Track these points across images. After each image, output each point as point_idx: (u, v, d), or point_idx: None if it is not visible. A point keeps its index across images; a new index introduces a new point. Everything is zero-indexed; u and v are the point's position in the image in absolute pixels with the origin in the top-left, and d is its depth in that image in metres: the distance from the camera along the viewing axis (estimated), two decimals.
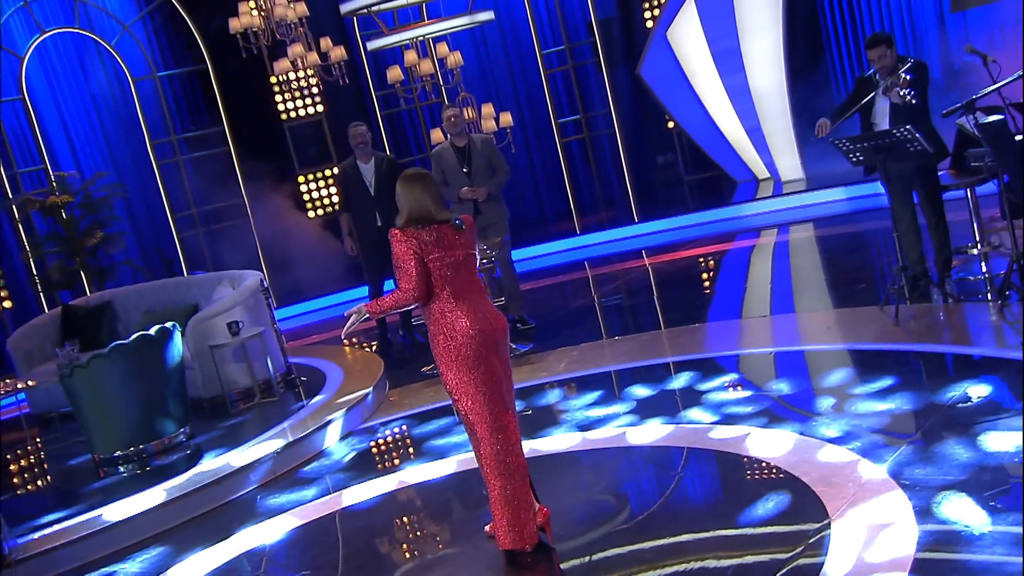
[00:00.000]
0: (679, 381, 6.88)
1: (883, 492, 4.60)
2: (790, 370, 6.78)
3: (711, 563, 4.41)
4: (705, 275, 10.56)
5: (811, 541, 4.32)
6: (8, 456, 9.09)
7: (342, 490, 6.34)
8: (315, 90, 13.93)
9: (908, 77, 6.82)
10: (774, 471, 5.11)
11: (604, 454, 5.95)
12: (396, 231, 4.68)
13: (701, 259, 11.04)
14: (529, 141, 14.97)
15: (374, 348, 9.73)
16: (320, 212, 14.25)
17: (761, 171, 13.19)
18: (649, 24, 13.44)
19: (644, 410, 6.44)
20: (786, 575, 4.12)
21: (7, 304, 12.29)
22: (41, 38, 12.95)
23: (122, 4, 13.55)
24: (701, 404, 6.32)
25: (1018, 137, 5.75)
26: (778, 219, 11.83)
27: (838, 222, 11.09)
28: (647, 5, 13.63)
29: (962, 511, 4.30)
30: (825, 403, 5.92)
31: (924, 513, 4.34)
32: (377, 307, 4.83)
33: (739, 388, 6.55)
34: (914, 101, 6.81)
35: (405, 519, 5.93)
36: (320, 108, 14.18)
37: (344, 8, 10.94)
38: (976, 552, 3.97)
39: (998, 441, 4.88)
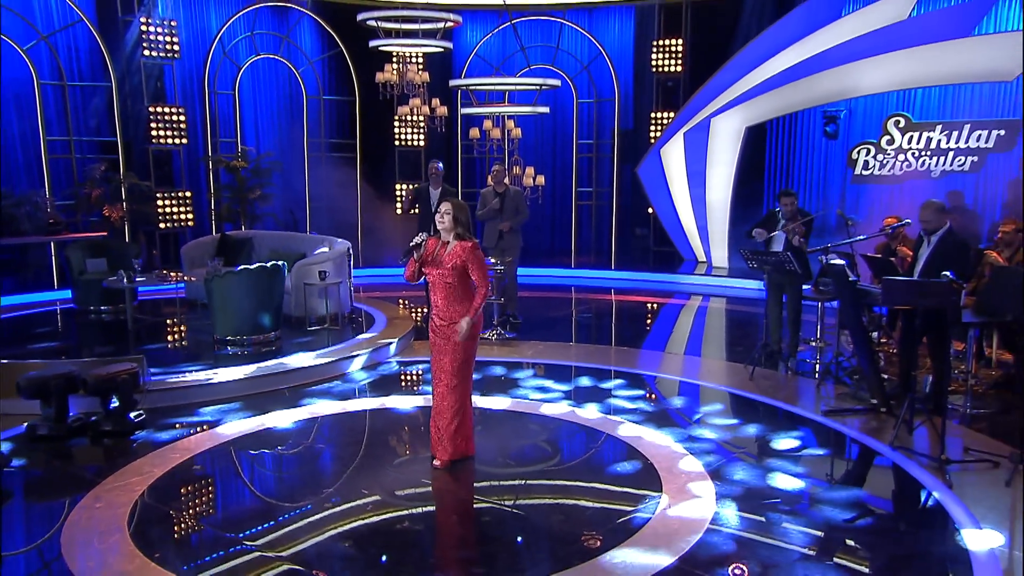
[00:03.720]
0: (611, 383, 6.82)
1: (701, 480, 4.71)
2: (683, 392, 6.76)
3: (581, 503, 4.53)
4: (648, 316, 10.55)
5: (648, 503, 4.44)
6: (166, 321, 9.36)
7: (360, 398, 6.45)
8: (421, 131, 14.08)
9: (801, 226, 6.90)
10: (638, 454, 5.18)
11: (536, 418, 6.00)
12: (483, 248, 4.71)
13: (648, 305, 11.03)
14: (555, 198, 14.94)
15: (419, 312, 9.71)
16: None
17: (701, 255, 13.13)
18: (652, 140, 13.49)
19: (577, 396, 6.43)
20: (626, 520, 4.24)
21: (191, 223, 12.52)
22: (255, 58, 13.20)
23: (312, 46, 13.77)
24: (617, 400, 6.34)
25: (852, 278, 5.81)
26: (704, 290, 11.77)
27: (741, 302, 11.04)
28: (652, 128, 13.66)
29: (752, 506, 4.41)
30: (691, 418, 5.99)
31: (724, 499, 4.46)
32: (481, 304, 4.73)
33: (650, 397, 6.55)
34: (798, 240, 6.90)
35: (404, 428, 5.93)
36: (422, 143, 14.29)
37: (452, 83, 11.10)
38: (752, 534, 4.10)
39: (792, 467, 4.98)
